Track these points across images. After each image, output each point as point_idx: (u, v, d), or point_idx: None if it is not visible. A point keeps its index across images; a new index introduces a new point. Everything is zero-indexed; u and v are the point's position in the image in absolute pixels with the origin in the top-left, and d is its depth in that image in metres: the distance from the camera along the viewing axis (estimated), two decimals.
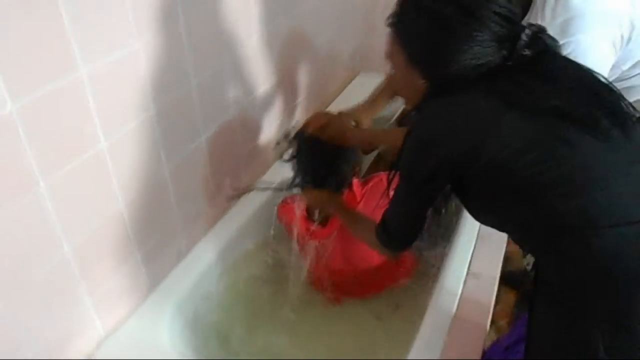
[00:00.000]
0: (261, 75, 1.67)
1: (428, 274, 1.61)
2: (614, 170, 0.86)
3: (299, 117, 2.03)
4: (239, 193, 1.70)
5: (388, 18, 0.98)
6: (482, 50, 0.88)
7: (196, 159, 1.45)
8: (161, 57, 1.21)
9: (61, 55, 0.97)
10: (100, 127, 1.09)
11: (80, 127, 1.05)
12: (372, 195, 1.51)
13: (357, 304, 1.62)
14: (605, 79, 0.91)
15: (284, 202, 1.62)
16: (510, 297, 1.91)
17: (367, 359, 1.45)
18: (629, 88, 1.25)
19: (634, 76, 1.25)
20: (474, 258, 1.43)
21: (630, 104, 0.89)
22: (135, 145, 1.21)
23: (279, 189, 1.65)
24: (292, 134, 1.52)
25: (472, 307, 1.29)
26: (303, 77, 1.97)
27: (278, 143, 1.72)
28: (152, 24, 1.16)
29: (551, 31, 0.92)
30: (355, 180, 1.52)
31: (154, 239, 1.36)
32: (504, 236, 1.44)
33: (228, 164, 1.63)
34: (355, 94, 2.32)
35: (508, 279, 1.64)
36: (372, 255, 1.53)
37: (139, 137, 1.21)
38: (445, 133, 0.91)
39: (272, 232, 1.63)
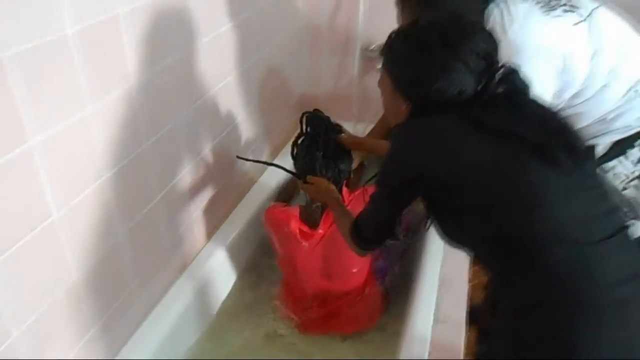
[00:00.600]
0: (213, 129, 1.65)
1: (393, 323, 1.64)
2: (562, 195, 0.93)
3: (250, 167, 2.02)
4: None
5: (382, 47, 1.09)
6: (459, 79, 0.97)
7: (152, 220, 1.41)
8: (112, 121, 1.17)
9: (9, 128, 0.91)
10: (52, 199, 1.04)
11: (30, 202, 0.99)
12: (357, 204, 1.53)
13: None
14: (564, 117, 1.01)
15: (274, 206, 1.73)
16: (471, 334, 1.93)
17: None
18: (573, 115, 1.36)
19: (577, 104, 1.36)
20: (438, 303, 1.45)
21: (581, 137, 0.99)
22: (88, 214, 1.15)
23: (283, 169, 1.68)
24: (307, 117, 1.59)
25: (443, 352, 1.30)
26: (254, 126, 1.97)
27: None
28: (104, 88, 1.13)
29: None
30: (344, 188, 1.62)
31: (111, 309, 1.28)
32: (464, 278, 1.47)
33: (184, 220, 1.59)
34: None
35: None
36: (348, 278, 1.62)
37: (93, 205, 1.16)
38: (417, 147, 1.01)
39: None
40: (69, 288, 1.13)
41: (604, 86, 1.32)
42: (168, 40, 1.32)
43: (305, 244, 1.59)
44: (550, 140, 0.94)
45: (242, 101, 1.83)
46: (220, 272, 1.73)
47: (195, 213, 1.64)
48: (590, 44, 1.30)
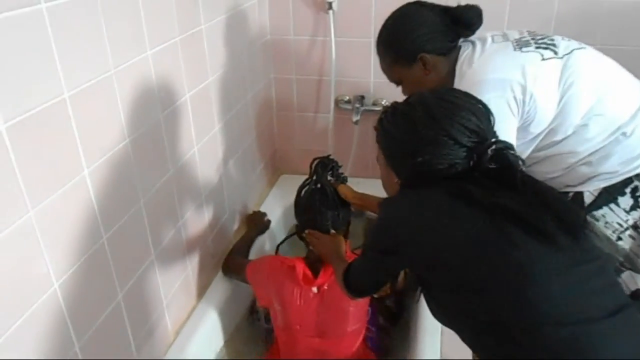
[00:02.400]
0: (187, 199, 1.56)
1: None
2: (555, 271, 0.89)
3: (230, 229, 1.92)
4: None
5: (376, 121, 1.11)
6: (446, 153, 0.97)
7: (147, 280, 1.37)
8: (109, 181, 1.15)
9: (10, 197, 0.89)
10: (51, 269, 1.00)
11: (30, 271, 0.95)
12: None
13: None
14: (561, 193, 1.02)
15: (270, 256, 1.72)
16: None
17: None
18: (557, 156, 1.34)
19: (557, 143, 1.33)
20: None
21: (578, 211, 0.99)
22: (87, 278, 1.11)
23: (289, 236, 1.77)
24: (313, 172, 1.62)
25: None
26: (229, 188, 1.88)
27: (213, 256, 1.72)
28: (100, 149, 1.12)
29: None
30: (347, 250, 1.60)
31: None
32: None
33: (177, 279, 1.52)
34: (280, 195, 2.27)
35: None
36: (343, 337, 1.58)
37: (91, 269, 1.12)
38: (400, 219, 1.01)
39: None
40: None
41: (583, 125, 1.29)
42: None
43: (307, 287, 1.55)
44: (541, 214, 0.91)
45: (212, 168, 1.75)
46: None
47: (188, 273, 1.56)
48: (562, 81, 1.28)
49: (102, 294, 1.21)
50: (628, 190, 1.32)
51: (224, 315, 1.72)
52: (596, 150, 1.31)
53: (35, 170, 0.95)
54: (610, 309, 0.87)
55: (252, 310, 1.87)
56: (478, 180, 0.95)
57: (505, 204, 0.91)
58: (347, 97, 2.22)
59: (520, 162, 0.97)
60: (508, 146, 0.98)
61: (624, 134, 1.30)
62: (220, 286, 1.76)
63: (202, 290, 1.72)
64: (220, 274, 1.79)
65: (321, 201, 1.56)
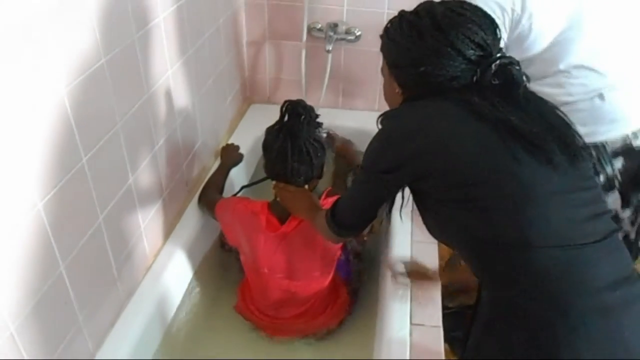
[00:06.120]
0: (160, 126, 1.53)
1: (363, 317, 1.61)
2: (553, 194, 0.90)
3: (202, 157, 1.91)
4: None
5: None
6: (448, 64, 0.96)
7: (126, 204, 1.35)
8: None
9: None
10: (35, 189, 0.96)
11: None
12: None
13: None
14: (564, 114, 0.98)
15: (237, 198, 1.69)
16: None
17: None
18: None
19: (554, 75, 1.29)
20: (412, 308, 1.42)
21: (579, 135, 0.96)
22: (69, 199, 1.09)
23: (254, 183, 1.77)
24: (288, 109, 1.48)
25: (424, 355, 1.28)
26: (201, 118, 1.85)
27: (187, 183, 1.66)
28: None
29: None
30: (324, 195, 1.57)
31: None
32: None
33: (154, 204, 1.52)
34: (251, 125, 2.26)
35: None
36: (310, 281, 1.59)
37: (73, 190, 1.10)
38: (413, 129, 0.98)
39: None
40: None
41: (566, 72, 1.28)
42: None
43: (271, 234, 1.52)
44: (544, 134, 0.91)
45: (185, 95, 1.71)
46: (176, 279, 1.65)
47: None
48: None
49: (84, 215, 1.20)
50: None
51: (199, 240, 1.75)
52: (566, 102, 1.28)
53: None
54: (600, 235, 0.90)
55: (223, 242, 1.87)
56: (482, 93, 0.94)
57: (509, 119, 0.91)
58: (320, 25, 2.18)
59: (524, 78, 0.97)
60: (513, 62, 0.96)
61: (601, 95, 1.28)
62: (194, 213, 1.77)
63: (177, 215, 1.74)
64: (194, 201, 1.80)
65: (294, 156, 1.45)
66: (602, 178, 1.34)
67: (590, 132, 1.26)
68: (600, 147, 1.32)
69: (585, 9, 1.25)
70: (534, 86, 1.29)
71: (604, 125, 1.30)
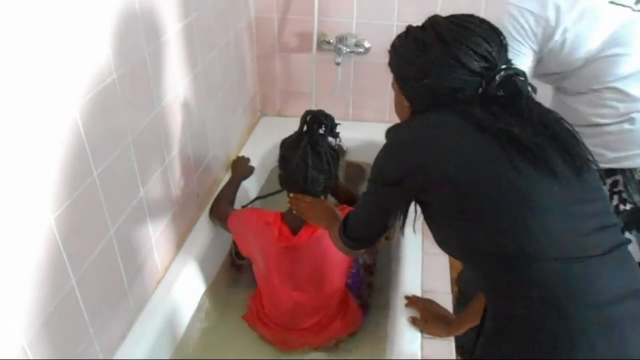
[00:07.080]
0: (171, 139, 1.54)
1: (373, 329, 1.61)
2: (554, 205, 0.89)
3: (213, 170, 1.92)
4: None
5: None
6: (454, 77, 0.96)
7: (137, 217, 1.34)
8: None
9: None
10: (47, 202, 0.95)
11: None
12: None
13: None
14: (569, 124, 0.96)
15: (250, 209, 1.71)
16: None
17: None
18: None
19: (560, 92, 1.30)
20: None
21: (585, 146, 0.94)
22: (81, 213, 1.10)
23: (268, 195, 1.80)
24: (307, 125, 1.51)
25: None
26: (211, 131, 1.87)
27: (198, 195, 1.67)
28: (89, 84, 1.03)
29: None
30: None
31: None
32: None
33: (165, 217, 1.50)
34: (261, 138, 2.28)
35: None
36: (321, 294, 1.59)
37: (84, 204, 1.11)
38: (409, 144, 1.01)
39: None
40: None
41: (596, 91, 1.25)
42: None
43: (283, 245, 1.52)
44: (546, 144, 0.90)
45: (196, 108, 1.72)
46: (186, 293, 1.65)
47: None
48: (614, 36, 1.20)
49: (95, 229, 1.21)
50: (609, 181, 1.29)
51: (210, 252, 1.75)
52: (596, 124, 1.25)
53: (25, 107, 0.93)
54: (605, 248, 0.88)
55: (233, 260, 1.88)
56: (486, 105, 0.94)
57: (512, 131, 0.90)
58: (330, 38, 2.20)
59: (529, 90, 0.96)
60: (518, 72, 0.96)
61: (631, 120, 1.24)
62: (205, 226, 1.78)
63: (189, 228, 1.74)
64: (205, 213, 1.81)
65: (314, 165, 1.47)
66: (628, 206, 1.29)
67: (619, 157, 1.24)
68: (627, 173, 1.28)
69: (633, 31, 1.21)
70: (569, 101, 1.31)
71: (633, 150, 1.26)
